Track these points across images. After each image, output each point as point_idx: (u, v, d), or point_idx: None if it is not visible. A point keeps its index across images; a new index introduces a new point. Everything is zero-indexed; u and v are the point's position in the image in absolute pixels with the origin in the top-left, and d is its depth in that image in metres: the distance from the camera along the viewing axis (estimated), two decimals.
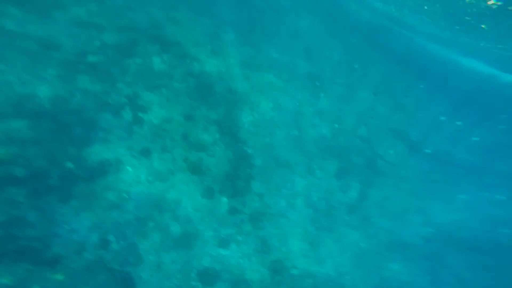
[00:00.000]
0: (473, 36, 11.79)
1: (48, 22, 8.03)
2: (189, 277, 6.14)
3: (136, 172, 6.68)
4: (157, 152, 7.20)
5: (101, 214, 5.82)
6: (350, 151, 10.75)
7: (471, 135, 14.59)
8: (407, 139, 12.42)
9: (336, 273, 7.60)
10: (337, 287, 7.29)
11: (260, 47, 11.92)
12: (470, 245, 10.06)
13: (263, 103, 10.08)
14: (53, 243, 5.15)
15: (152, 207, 6.47)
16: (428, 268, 8.93)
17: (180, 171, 7.15)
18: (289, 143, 9.83)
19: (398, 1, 12.65)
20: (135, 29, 10.10)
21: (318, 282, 7.15)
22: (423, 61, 16.26)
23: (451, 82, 15.41)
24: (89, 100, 7.18)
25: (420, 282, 8.47)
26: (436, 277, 8.78)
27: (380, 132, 12.04)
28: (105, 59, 8.37)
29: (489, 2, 8.30)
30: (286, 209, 8.25)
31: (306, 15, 14.41)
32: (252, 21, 12.81)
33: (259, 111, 9.89)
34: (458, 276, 9.08)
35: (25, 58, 6.86)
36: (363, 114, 12.15)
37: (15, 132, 5.63)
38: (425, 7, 11.55)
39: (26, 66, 6.70)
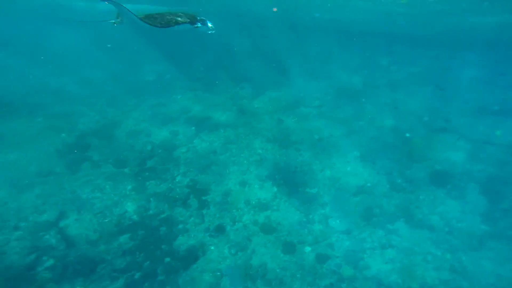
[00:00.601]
0: None
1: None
2: None
3: (219, 249, 7.43)
4: (229, 225, 8.01)
5: None
6: None
7: None
8: None
9: None
10: None
11: None
12: None
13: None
14: None
15: (243, 278, 6.99)
16: None
17: (255, 235, 7.76)
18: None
19: None
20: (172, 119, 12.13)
21: None
22: None
23: None
24: (160, 201, 8.54)
25: None
26: None
27: None
28: (159, 159, 10.08)
29: None
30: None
31: None
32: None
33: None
34: None
35: (110, 182, 8.65)
36: None
37: (124, 245, 6.91)
38: None
39: (112, 188, 8.42)
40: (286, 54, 18.10)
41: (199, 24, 5.57)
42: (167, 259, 6.91)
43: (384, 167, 9.85)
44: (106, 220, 7.53)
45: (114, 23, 5.44)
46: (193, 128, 11.76)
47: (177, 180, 9.22)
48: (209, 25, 5.75)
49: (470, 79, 16.42)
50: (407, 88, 15.03)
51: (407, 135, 11.20)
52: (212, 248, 7.38)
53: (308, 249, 7.45)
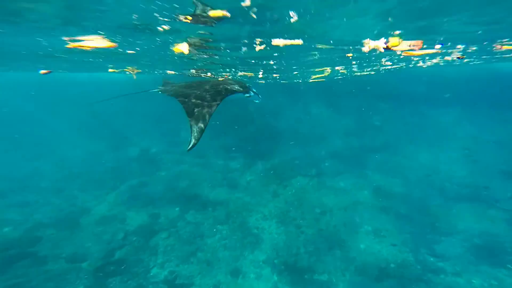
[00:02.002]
0: None
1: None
2: None
3: None
4: None
5: None
6: None
7: None
8: None
9: None
10: None
11: None
12: None
13: None
14: None
15: None
16: None
17: None
18: None
19: None
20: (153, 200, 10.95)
21: None
22: None
23: None
24: None
25: None
26: None
27: None
28: (131, 248, 8.47)
29: None
30: None
31: None
32: None
33: None
34: None
35: (51, 283, 6.77)
36: None
37: None
38: None
39: None
40: (275, 117, 18.85)
41: (251, 93, 5.43)
42: None
43: (405, 242, 8.54)
44: None
45: (160, 91, 5.40)
46: (177, 208, 10.64)
47: (151, 274, 7.47)
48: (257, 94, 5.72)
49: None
50: (406, 149, 14.94)
51: (422, 203, 10.29)
52: None
53: None
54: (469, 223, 9.02)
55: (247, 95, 5.37)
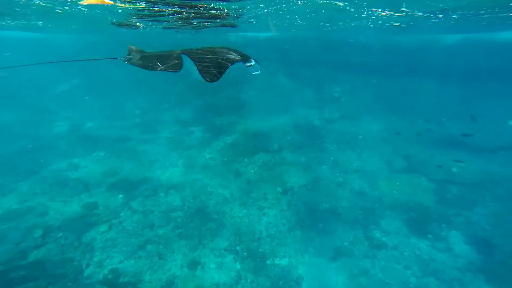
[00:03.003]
0: None
1: None
2: None
3: None
4: None
5: None
6: None
7: None
8: None
9: None
10: None
11: None
12: None
13: None
14: None
15: None
16: None
17: None
18: None
19: None
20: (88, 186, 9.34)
21: None
22: None
23: None
24: None
25: None
26: None
27: None
28: (55, 247, 7.06)
29: None
30: None
31: None
32: None
33: None
34: None
35: None
36: None
37: None
38: None
39: None
40: (236, 88, 17.68)
41: (252, 62, 4.50)
42: None
43: (357, 219, 8.84)
44: None
45: (125, 60, 4.80)
46: (121, 196, 9.24)
47: (85, 274, 6.36)
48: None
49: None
50: (361, 120, 15.39)
51: (373, 177, 10.80)
52: None
53: None
54: (408, 196, 9.76)
55: (249, 64, 4.41)
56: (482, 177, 10.37)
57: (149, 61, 4.43)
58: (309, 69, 19.16)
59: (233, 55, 4.16)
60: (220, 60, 3.84)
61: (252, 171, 10.72)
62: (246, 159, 11.32)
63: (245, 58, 4.31)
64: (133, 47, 5.11)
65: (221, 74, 3.47)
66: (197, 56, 3.86)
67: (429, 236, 8.19)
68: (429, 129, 14.19)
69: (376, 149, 12.55)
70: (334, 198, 9.71)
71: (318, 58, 19.54)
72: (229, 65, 3.72)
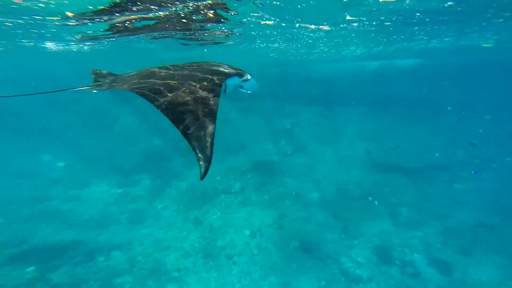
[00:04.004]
0: None
1: None
2: None
3: None
4: None
5: None
6: None
7: None
8: None
9: None
10: None
11: None
12: None
13: None
14: None
15: None
16: None
17: None
18: None
19: None
20: None
21: None
22: None
23: None
24: None
25: None
26: None
27: None
28: None
29: None
30: None
31: None
32: None
33: None
34: None
35: None
36: None
37: None
38: None
39: None
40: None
41: (248, 77, 3.64)
42: None
43: (329, 254, 8.72)
44: None
45: (91, 88, 3.63)
46: (31, 268, 7.23)
47: None
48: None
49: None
50: (314, 150, 16.12)
51: (335, 208, 10.98)
52: None
53: None
54: (369, 223, 10.15)
55: (244, 78, 3.63)
56: (420, 198, 11.76)
57: (134, 84, 3.18)
58: (259, 102, 19.97)
59: (223, 68, 3.60)
60: (211, 76, 3.10)
61: (214, 216, 9.89)
62: (206, 205, 10.47)
63: (239, 72, 3.60)
64: (98, 70, 4.31)
65: (218, 88, 2.89)
66: (179, 75, 3.17)
67: (397, 262, 8.51)
68: (369, 151, 15.75)
69: (331, 178, 13.27)
70: (302, 234, 9.52)
71: (267, 91, 20.72)
72: (224, 78, 3.16)
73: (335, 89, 22.07)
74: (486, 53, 18.65)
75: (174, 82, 2.98)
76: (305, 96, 21.10)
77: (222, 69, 3.48)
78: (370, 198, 11.88)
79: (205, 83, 2.95)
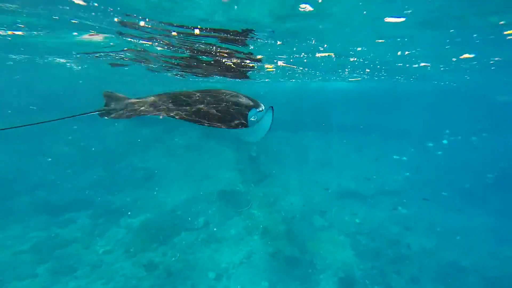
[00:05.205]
0: None
1: None
2: None
3: None
4: None
5: None
6: None
7: None
8: None
9: None
10: None
11: None
12: None
13: None
14: None
15: None
16: None
17: None
18: None
19: None
20: None
21: None
22: None
23: None
24: None
25: None
26: None
27: None
28: None
29: None
30: None
31: None
32: None
33: None
34: None
35: None
36: None
37: None
38: None
39: None
40: (140, 156, 14.96)
41: (263, 108, 3.46)
42: None
43: None
44: None
45: (102, 113, 3.57)
46: None
47: None
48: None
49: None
50: (279, 179, 15.82)
51: (300, 239, 10.62)
52: None
53: None
54: (332, 254, 9.93)
55: (259, 109, 3.36)
56: (376, 226, 12.13)
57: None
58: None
59: (242, 100, 3.36)
60: (233, 106, 3.04)
61: (173, 258, 8.44)
62: (163, 245, 8.95)
63: (256, 104, 3.42)
64: (111, 93, 3.60)
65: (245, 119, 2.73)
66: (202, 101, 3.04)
67: None
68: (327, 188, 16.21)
69: (296, 208, 12.99)
70: (271, 272, 8.71)
71: None
72: (247, 111, 2.99)
73: (297, 114, 22.98)
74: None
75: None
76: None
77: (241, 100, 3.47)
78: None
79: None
